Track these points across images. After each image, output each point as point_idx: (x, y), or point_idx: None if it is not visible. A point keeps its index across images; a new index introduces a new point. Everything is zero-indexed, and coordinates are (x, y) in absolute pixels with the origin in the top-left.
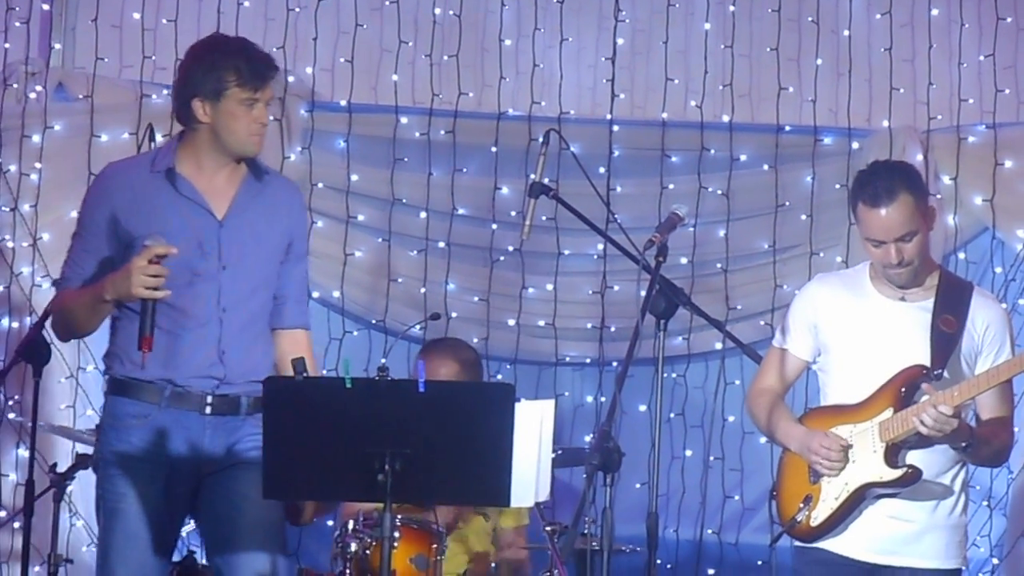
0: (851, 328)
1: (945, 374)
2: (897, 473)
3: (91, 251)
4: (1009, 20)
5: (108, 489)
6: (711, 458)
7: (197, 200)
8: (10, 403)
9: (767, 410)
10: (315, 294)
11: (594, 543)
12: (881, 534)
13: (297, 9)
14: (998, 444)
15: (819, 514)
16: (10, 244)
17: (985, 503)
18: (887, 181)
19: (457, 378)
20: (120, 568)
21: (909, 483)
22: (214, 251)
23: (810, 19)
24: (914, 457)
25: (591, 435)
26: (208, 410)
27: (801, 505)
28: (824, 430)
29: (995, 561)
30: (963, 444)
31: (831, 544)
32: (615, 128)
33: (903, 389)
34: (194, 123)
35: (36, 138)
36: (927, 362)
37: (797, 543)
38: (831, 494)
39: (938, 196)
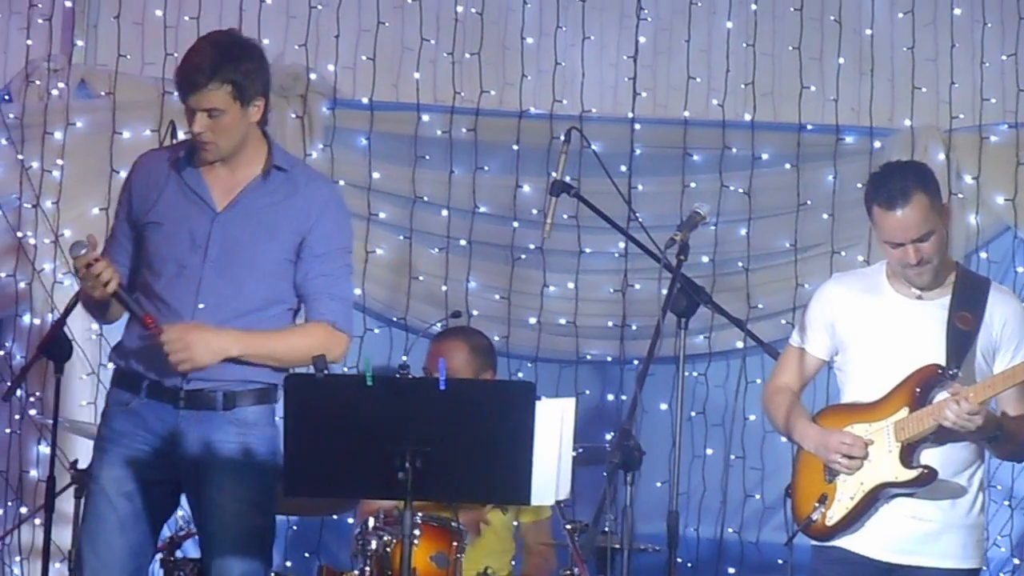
0: (868, 327)
1: (960, 372)
2: (913, 473)
3: (117, 237)
4: None
5: (89, 471)
6: (732, 457)
7: (199, 191)
8: (31, 399)
9: (784, 409)
10: None
11: (614, 541)
12: (899, 533)
13: (319, 7)
14: (1021, 440)
15: (834, 513)
16: (32, 241)
17: (1006, 503)
18: (900, 182)
19: (468, 363)
20: (87, 547)
21: (924, 483)
22: (202, 244)
23: (832, 18)
24: (930, 456)
25: (612, 433)
26: (181, 404)
27: (816, 504)
28: (839, 429)
29: (1016, 561)
30: (990, 436)
31: (849, 543)
32: (637, 126)
33: (918, 389)
34: None
35: (58, 135)
36: (943, 360)
37: (814, 542)
38: (846, 494)
39: (960, 196)
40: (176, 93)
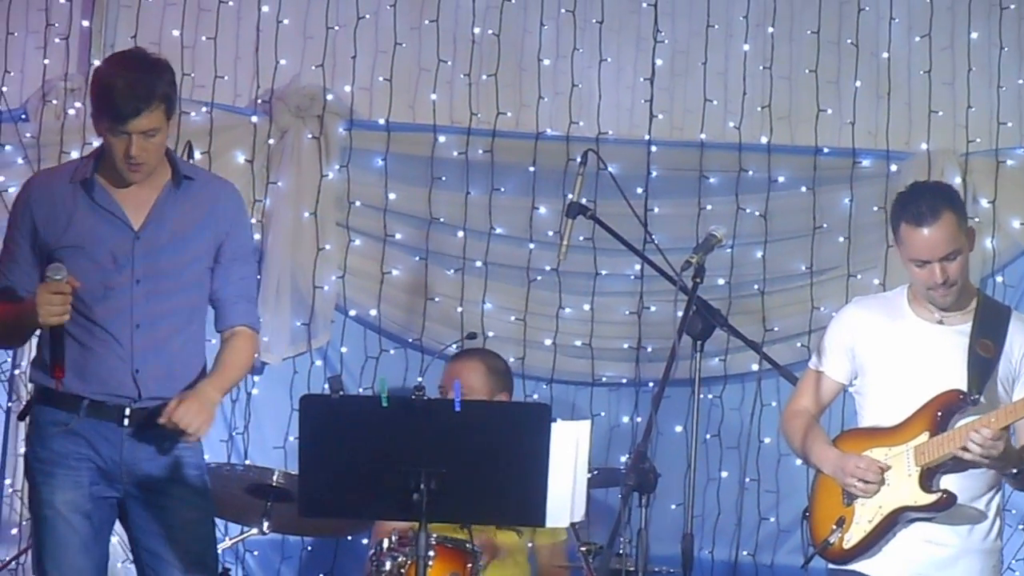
0: (888, 351)
1: (982, 399)
2: (932, 498)
3: (17, 261)
4: None
5: (34, 497)
6: (747, 479)
7: (113, 210)
8: None
9: (802, 432)
10: (352, 312)
11: (629, 564)
12: (916, 558)
13: (336, 27)
14: None
15: (852, 536)
16: None
17: (1021, 527)
18: (931, 200)
19: (484, 383)
20: (53, 573)
21: (944, 508)
22: (128, 264)
23: (849, 41)
24: (949, 481)
25: (627, 456)
26: (126, 422)
27: (834, 527)
28: (858, 453)
29: None
30: (1014, 470)
31: (865, 566)
32: (653, 149)
33: (939, 413)
34: None
35: (75, 154)
36: (964, 386)
37: (831, 565)
38: (864, 517)
39: (976, 219)
40: (192, 113)
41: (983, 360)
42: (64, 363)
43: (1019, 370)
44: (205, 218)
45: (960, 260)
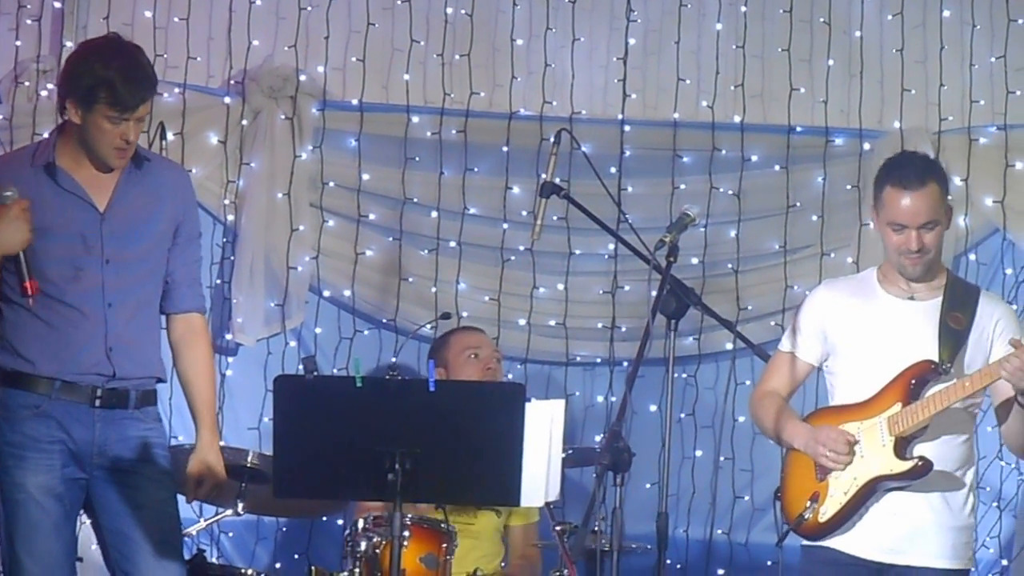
0: (860, 329)
1: (953, 368)
2: (907, 465)
3: None
4: (1021, 21)
5: (5, 480)
6: (721, 458)
7: (78, 193)
8: None
9: (772, 412)
10: (326, 293)
11: (604, 543)
12: (889, 533)
13: (309, 8)
14: None
15: (827, 509)
16: None
17: (995, 504)
18: (919, 168)
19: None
20: (26, 557)
21: (920, 475)
22: (97, 245)
23: (822, 20)
24: (923, 453)
25: (601, 435)
26: (98, 403)
27: (808, 503)
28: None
29: (1004, 563)
30: None
31: (838, 543)
32: (626, 128)
33: (912, 383)
34: (70, 119)
35: (47, 136)
36: (935, 357)
37: (804, 542)
38: (839, 490)
39: (949, 197)
40: (165, 94)
41: (954, 331)
42: (34, 276)
43: (994, 337)
44: (164, 200)
45: (937, 231)
